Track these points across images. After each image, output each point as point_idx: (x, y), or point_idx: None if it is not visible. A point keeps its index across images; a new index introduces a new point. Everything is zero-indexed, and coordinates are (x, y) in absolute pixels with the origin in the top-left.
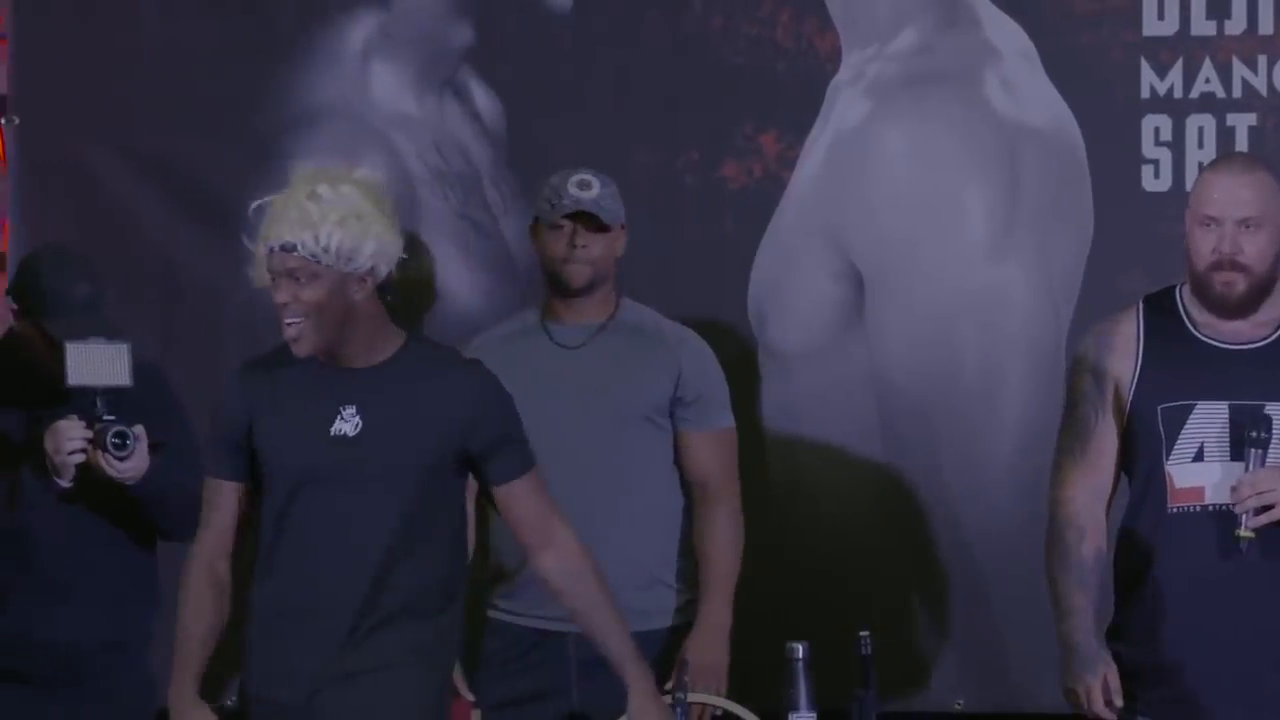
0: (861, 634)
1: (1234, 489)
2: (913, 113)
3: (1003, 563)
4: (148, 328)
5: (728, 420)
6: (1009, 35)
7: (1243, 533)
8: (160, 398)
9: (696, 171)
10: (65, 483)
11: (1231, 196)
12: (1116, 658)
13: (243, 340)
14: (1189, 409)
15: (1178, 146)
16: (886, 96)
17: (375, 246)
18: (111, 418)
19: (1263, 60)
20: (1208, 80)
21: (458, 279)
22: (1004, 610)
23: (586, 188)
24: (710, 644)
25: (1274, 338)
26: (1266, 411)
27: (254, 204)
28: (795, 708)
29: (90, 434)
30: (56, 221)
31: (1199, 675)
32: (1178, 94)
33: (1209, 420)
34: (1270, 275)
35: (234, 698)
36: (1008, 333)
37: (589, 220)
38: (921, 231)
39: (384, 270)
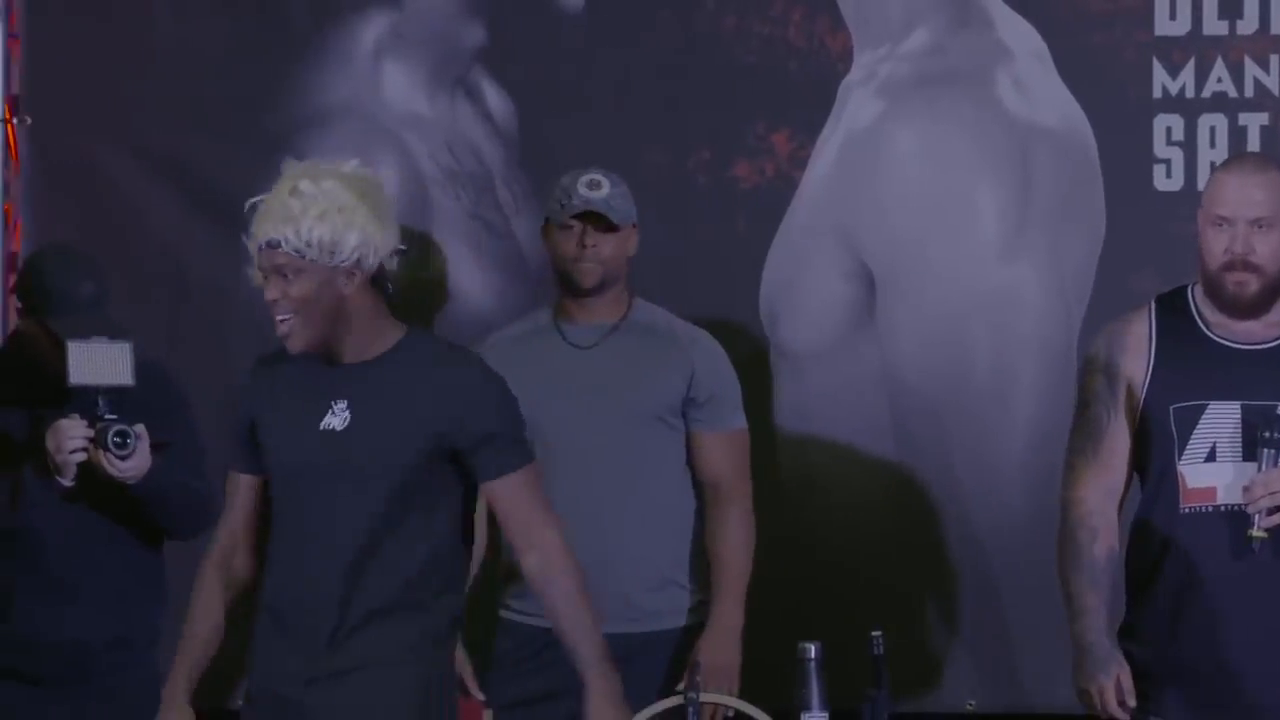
0: (874, 634)
1: (1246, 489)
2: (925, 113)
3: (1015, 563)
4: (157, 327)
5: (740, 421)
6: (1021, 35)
7: (1255, 533)
8: (164, 397)
9: (708, 171)
10: (67, 482)
11: (1244, 197)
12: (1128, 657)
13: (251, 339)
14: (1201, 409)
15: (1190, 146)
16: (898, 96)
17: (359, 239)
18: (113, 417)
19: (1275, 60)
20: (1220, 80)
21: (470, 279)
22: (1016, 610)
23: (596, 187)
24: (722, 645)
25: None
26: (1279, 412)
27: (248, 203)
28: (808, 708)
29: (91, 433)
30: (68, 221)
31: (1211, 675)
32: (1190, 94)
33: (1221, 420)
34: None
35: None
36: (1019, 332)
37: (598, 220)
38: (933, 231)
39: (372, 262)
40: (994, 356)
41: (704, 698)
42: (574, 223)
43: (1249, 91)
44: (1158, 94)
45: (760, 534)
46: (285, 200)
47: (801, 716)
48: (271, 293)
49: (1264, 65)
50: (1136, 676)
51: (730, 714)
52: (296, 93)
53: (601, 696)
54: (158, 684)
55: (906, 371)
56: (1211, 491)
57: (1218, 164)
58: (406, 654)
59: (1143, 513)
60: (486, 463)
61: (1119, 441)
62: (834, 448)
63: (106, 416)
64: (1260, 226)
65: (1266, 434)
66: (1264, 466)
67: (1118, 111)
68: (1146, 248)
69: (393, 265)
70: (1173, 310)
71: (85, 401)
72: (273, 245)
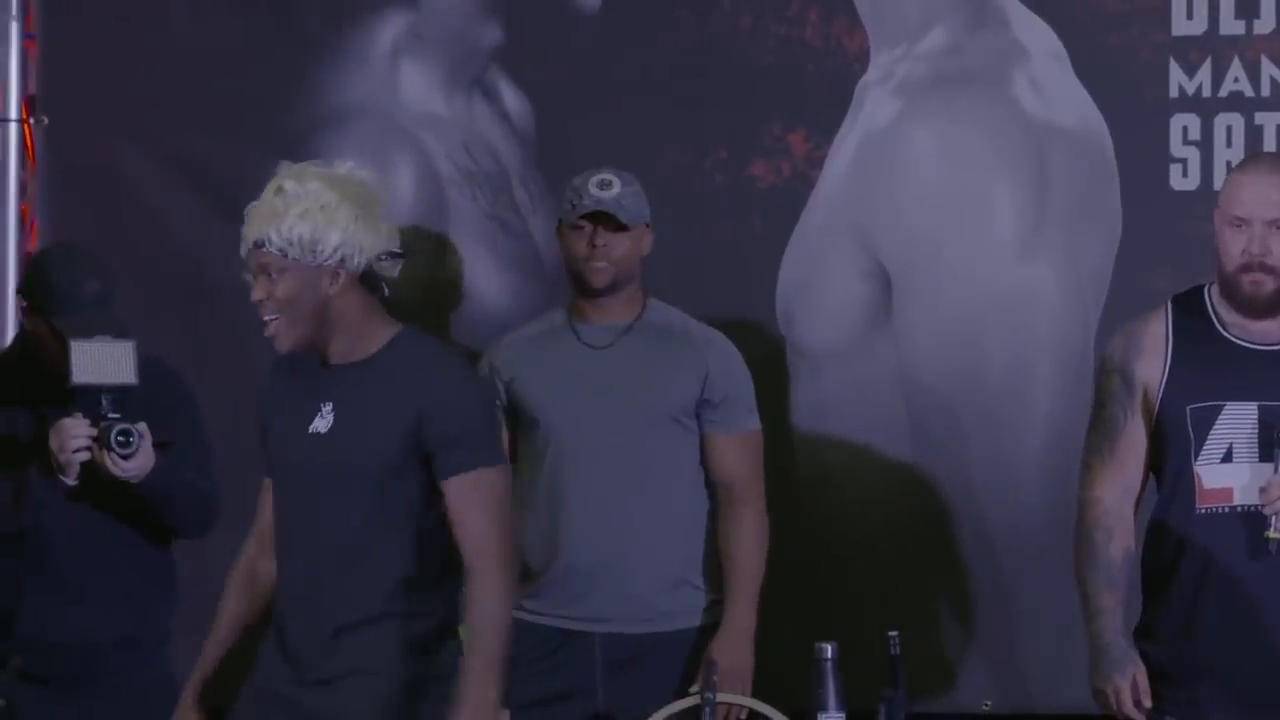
0: (890, 634)
1: (1263, 490)
2: (941, 112)
3: (1031, 562)
4: (174, 327)
5: (754, 422)
6: (1038, 35)
7: (1272, 534)
8: (170, 396)
9: (725, 171)
10: (70, 481)
11: (1261, 197)
12: (1144, 657)
13: (269, 341)
14: (1218, 409)
15: (1206, 146)
16: (915, 96)
17: (341, 238)
18: (116, 416)
19: None
20: (1236, 80)
21: (486, 279)
22: (1033, 610)
23: (607, 187)
24: (735, 646)
25: None
26: None
27: (248, 207)
28: (824, 708)
29: (95, 432)
30: (84, 221)
31: (1227, 676)
32: (1206, 93)
33: (1238, 421)
34: None
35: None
36: (1036, 332)
37: (609, 220)
38: (950, 231)
39: (357, 262)
40: (1010, 356)
41: (720, 698)
42: (584, 223)
43: (1265, 91)
44: (1174, 93)
45: (777, 533)
46: (271, 200)
47: (818, 717)
48: (257, 293)
49: None
50: (1152, 676)
51: (743, 715)
52: (313, 93)
53: (469, 705)
54: (168, 683)
55: (923, 371)
56: (1228, 492)
57: (1234, 164)
58: (392, 661)
59: (1159, 513)
60: (444, 462)
61: (1135, 442)
62: (850, 447)
63: (110, 415)
64: (1277, 227)
65: None
66: None
67: (1134, 111)
68: (1163, 247)
69: (389, 269)
70: (1189, 310)
71: (89, 401)
72: (259, 245)
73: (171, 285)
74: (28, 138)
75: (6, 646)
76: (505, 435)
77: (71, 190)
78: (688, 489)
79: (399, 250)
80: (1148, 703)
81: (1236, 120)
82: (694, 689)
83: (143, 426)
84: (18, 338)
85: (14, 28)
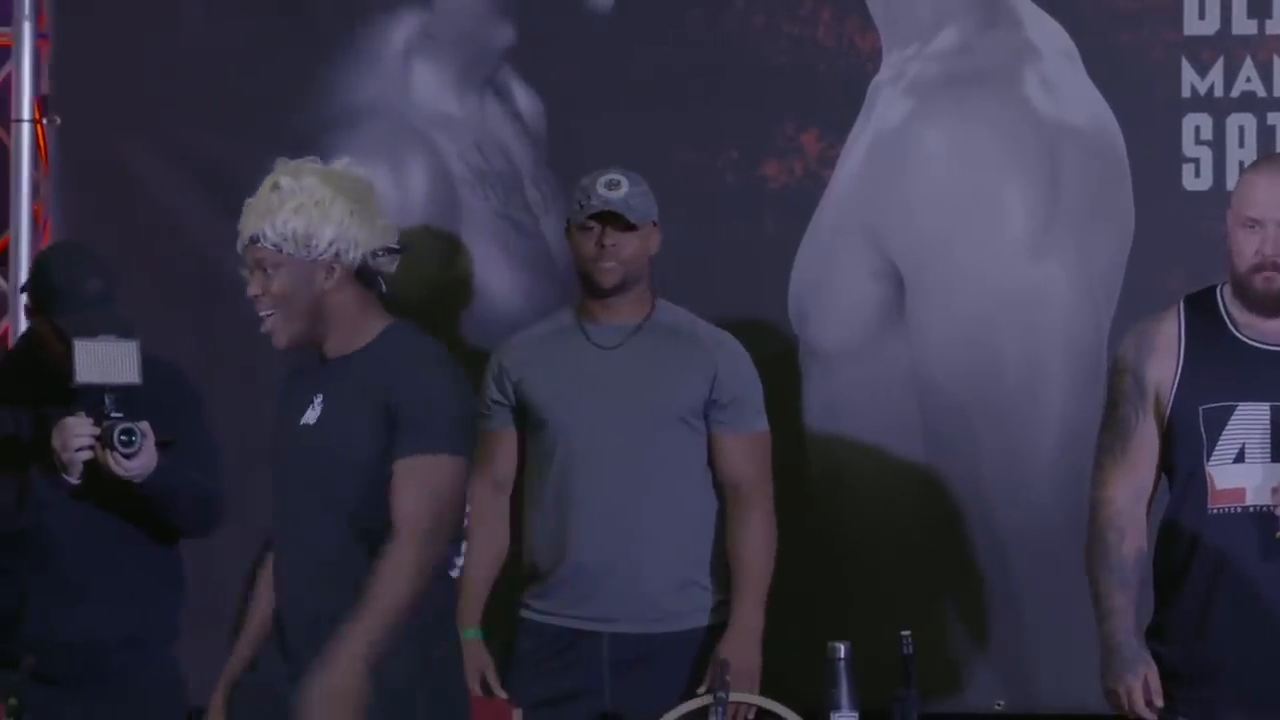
0: (903, 633)
1: (1275, 490)
2: (953, 112)
3: (1043, 562)
4: (186, 327)
5: (762, 424)
6: (1050, 34)
7: None
8: (176, 395)
9: (737, 171)
10: (73, 480)
11: (1274, 198)
12: (1156, 658)
13: None
14: (1230, 410)
15: (1218, 145)
16: (927, 96)
17: (335, 232)
18: (119, 415)
19: None
20: (1249, 79)
21: (498, 279)
22: (1045, 610)
23: (615, 187)
24: (743, 646)
25: None
26: None
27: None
28: (837, 707)
29: (98, 431)
30: (97, 221)
31: (1239, 676)
32: (1218, 93)
33: (1250, 421)
34: None
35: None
36: (1048, 332)
37: (617, 220)
38: (962, 231)
39: (352, 257)
40: (1023, 356)
41: (733, 697)
42: (592, 223)
43: (1278, 91)
44: (1186, 93)
45: (789, 533)
46: (266, 196)
47: (831, 716)
48: (253, 288)
49: None
50: (1164, 677)
51: (751, 715)
52: (325, 92)
53: (332, 662)
54: (174, 683)
55: (935, 371)
56: (1240, 492)
57: (1246, 164)
58: (385, 655)
59: (1171, 513)
60: (398, 443)
61: (1147, 442)
62: (863, 447)
63: (113, 415)
64: None
65: None
66: None
67: (1146, 111)
68: (1175, 248)
69: (386, 265)
70: (1201, 311)
71: (92, 400)
72: (254, 240)
73: (183, 285)
74: (40, 138)
75: (14, 646)
76: (512, 435)
77: (84, 190)
78: (696, 489)
79: (396, 246)
80: (1160, 703)
81: (1249, 120)
82: (702, 689)
83: (145, 425)
84: (22, 337)
85: (26, 28)
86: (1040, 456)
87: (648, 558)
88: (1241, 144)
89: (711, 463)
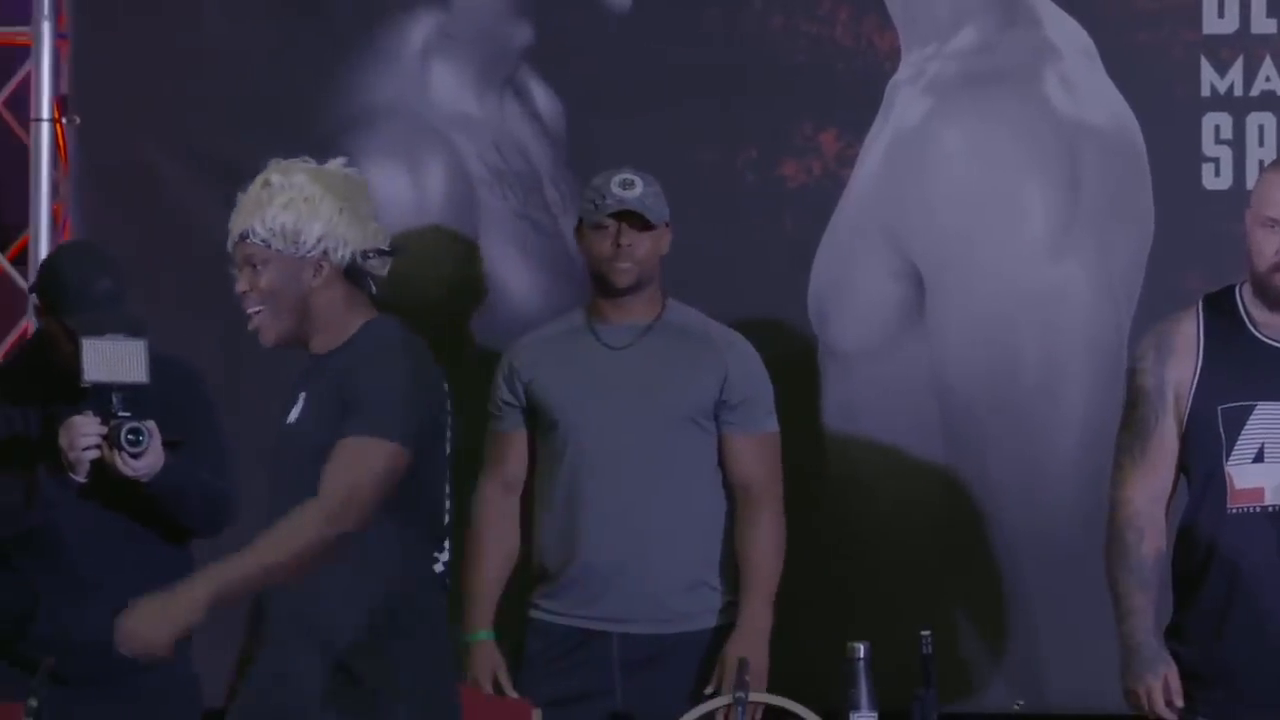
0: (923, 633)
1: None
2: (972, 111)
3: (1063, 563)
4: (205, 327)
5: (772, 424)
6: (1069, 33)
7: None
8: (187, 394)
9: (756, 170)
10: (80, 479)
11: None
12: (1175, 657)
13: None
14: (1249, 409)
15: (1238, 145)
16: (946, 95)
17: (324, 229)
18: (127, 414)
19: None
20: (1268, 78)
21: (517, 278)
22: (1065, 610)
23: (630, 187)
24: (750, 646)
25: None
26: None
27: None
28: (856, 707)
29: (105, 430)
30: (116, 220)
31: (1258, 676)
32: (1238, 92)
33: (1270, 421)
34: None
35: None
36: (1068, 332)
37: (633, 219)
38: (981, 230)
39: (341, 255)
40: (1042, 356)
41: (753, 697)
42: (609, 222)
43: None
44: (1206, 92)
45: (808, 534)
46: (257, 193)
47: (850, 716)
48: (241, 285)
49: None
50: (1184, 677)
51: (759, 715)
52: (344, 93)
53: (154, 599)
54: (189, 683)
55: (955, 371)
56: (1259, 492)
57: (1266, 163)
58: (355, 651)
59: (1190, 513)
60: (344, 424)
61: (1166, 442)
62: (882, 447)
63: (120, 414)
64: None
65: None
66: None
67: (1166, 110)
68: (1195, 247)
69: (377, 267)
70: (1220, 310)
71: (100, 399)
72: (244, 237)
73: (202, 284)
74: (60, 137)
75: (25, 646)
76: (523, 436)
77: (103, 190)
78: (706, 490)
79: (387, 249)
80: (1180, 703)
81: (1269, 119)
82: (709, 689)
83: (152, 425)
84: (33, 336)
85: (46, 27)
86: (1060, 457)
87: (658, 558)
88: (1261, 143)
89: (721, 463)
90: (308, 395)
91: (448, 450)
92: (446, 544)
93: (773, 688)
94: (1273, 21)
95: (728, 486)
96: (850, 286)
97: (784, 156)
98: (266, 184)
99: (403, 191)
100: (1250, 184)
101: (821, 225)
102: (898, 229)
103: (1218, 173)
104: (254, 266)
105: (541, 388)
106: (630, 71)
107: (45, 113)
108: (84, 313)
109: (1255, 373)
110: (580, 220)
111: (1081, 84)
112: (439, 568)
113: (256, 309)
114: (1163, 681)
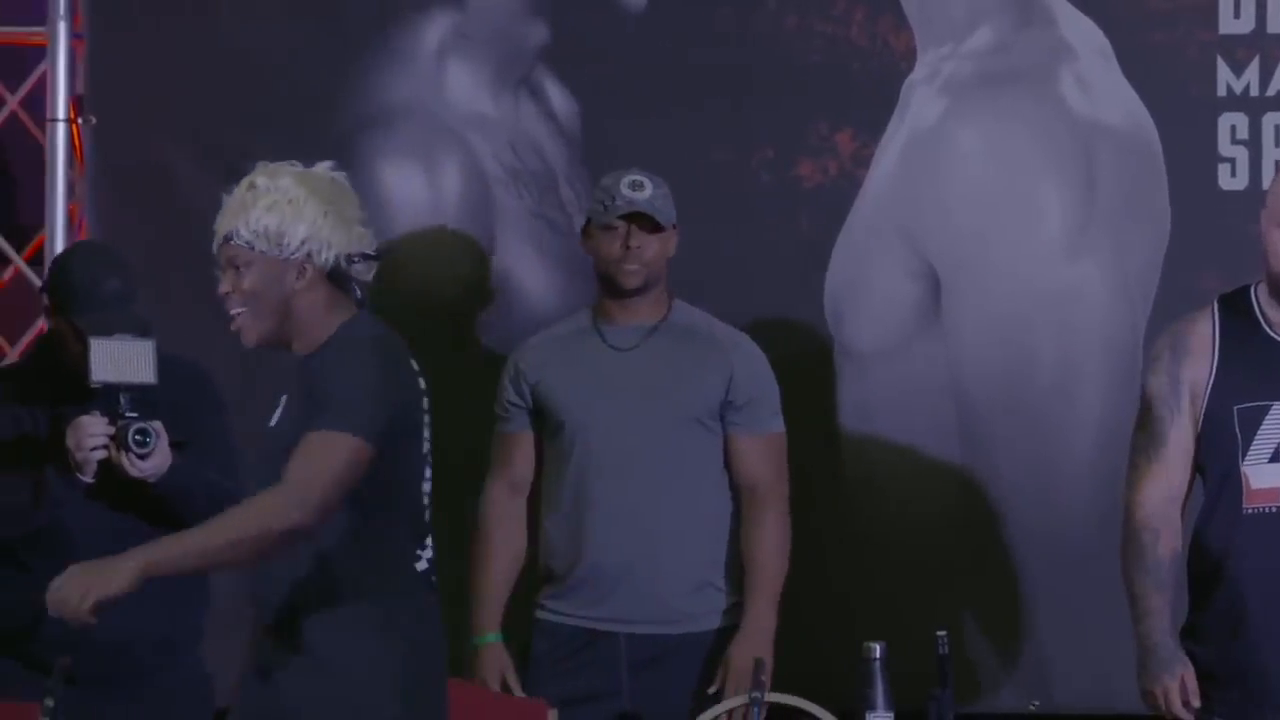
0: (939, 633)
1: None
2: (988, 111)
3: (1078, 563)
4: (219, 328)
5: (778, 425)
6: (1085, 33)
7: None
8: (196, 395)
9: (771, 170)
10: (87, 479)
11: None
12: (1191, 658)
13: None
14: (1265, 409)
15: (1254, 145)
16: (962, 95)
17: (307, 231)
18: (134, 415)
19: None
20: None
21: (532, 278)
22: (1081, 611)
23: (639, 188)
24: (755, 647)
25: None
26: None
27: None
28: (872, 707)
29: (112, 430)
30: (132, 221)
31: (1274, 676)
32: (1254, 92)
33: None
34: None
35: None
36: (1084, 332)
37: (643, 221)
38: (997, 230)
39: (324, 258)
40: (1058, 356)
41: (770, 697)
42: (619, 223)
43: None
44: (1222, 92)
45: (823, 533)
46: (242, 195)
47: (866, 716)
48: (224, 286)
49: None
50: (1200, 677)
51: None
52: (360, 93)
53: (91, 564)
54: (201, 684)
55: (970, 371)
56: (1275, 492)
57: None
58: (335, 650)
59: (1206, 513)
60: (311, 420)
61: (1182, 442)
62: (898, 447)
63: (128, 414)
64: None
65: None
66: None
67: (1182, 110)
68: (1211, 247)
69: (363, 272)
70: (1236, 311)
71: (108, 399)
72: (228, 239)
73: (217, 284)
74: (76, 138)
75: (37, 648)
76: (530, 438)
77: (119, 190)
78: (712, 491)
79: (372, 253)
80: (1196, 703)
81: None
82: (712, 690)
83: (159, 425)
84: (43, 336)
85: (61, 28)
86: (1075, 457)
87: (666, 559)
88: (1277, 143)
89: (727, 464)
90: (287, 399)
91: (425, 449)
92: (429, 541)
93: (788, 687)
94: None
95: (733, 487)
96: (866, 286)
97: (799, 156)
98: (252, 186)
99: (418, 191)
100: (1266, 184)
101: (837, 225)
102: (913, 229)
103: (1233, 173)
104: (237, 268)
105: (548, 389)
106: (645, 71)
107: (61, 113)
108: (92, 313)
109: (1271, 373)
110: (588, 220)
111: (1097, 84)
112: (423, 565)
113: (239, 310)
114: (1180, 682)
